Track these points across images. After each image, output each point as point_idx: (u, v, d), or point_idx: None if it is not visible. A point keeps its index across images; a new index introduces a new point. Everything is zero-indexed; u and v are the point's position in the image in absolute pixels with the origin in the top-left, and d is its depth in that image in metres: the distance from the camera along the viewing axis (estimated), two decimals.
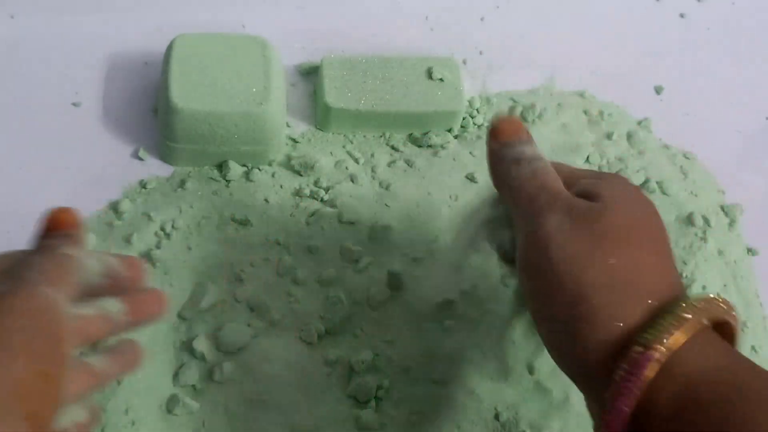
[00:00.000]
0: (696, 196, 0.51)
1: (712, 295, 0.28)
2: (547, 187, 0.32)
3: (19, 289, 0.26)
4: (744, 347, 0.46)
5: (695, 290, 0.46)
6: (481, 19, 0.57)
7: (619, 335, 0.27)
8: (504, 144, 0.33)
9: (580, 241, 0.29)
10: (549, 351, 0.31)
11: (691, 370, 0.26)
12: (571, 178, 0.33)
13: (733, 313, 0.29)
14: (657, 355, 0.26)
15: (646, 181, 0.50)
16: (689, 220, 0.49)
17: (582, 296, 0.28)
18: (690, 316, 0.27)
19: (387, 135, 0.49)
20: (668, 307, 0.28)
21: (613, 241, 0.29)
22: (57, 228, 0.30)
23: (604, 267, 0.29)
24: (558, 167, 0.34)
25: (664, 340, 0.26)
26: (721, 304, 0.28)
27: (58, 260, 0.28)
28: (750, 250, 0.50)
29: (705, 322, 0.27)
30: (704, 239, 0.48)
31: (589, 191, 0.31)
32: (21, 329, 0.25)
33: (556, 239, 0.30)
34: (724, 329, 0.29)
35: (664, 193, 0.50)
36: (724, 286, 0.48)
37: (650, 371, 0.26)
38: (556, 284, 0.29)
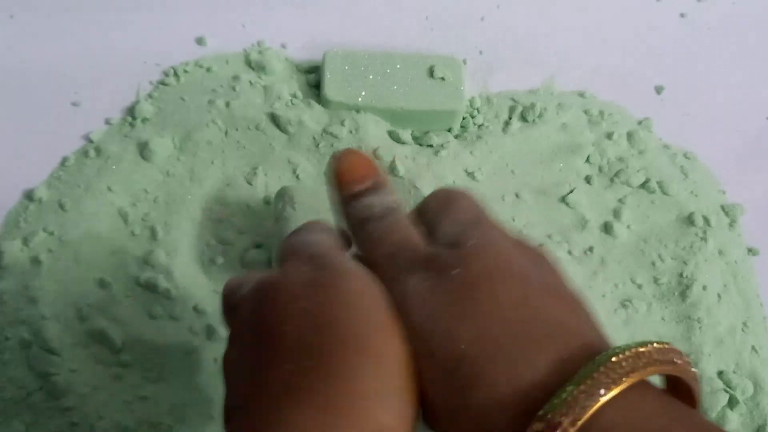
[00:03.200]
0: (696, 195, 0.51)
1: (650, 344, 0.22)
2: (404, 245, 0.26)
3: (325, 267, 0.25)
4: (744, 347, 0.46)
5: (695, 291, 0.46)
6: (481, 19, 0.57)
7: (515, 399, 0.21)
8: (348, 197, 0.28)
9: (443, 293, 0.23)
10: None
11: None
12: (447, 221, 0.27)
13: (678, 361, 0.22)
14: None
15: (647, 181, 0.50)
16: (689, 220, 0.49)
17: (459, 356, 0.22)
18: (608, 375, 0.21)
19: None
20: (580, 364, 0.21)
21: (485, 288, 0.23)
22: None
23: (479, 318, 0.23)
24: (439, 207, 0.28)
25: (570, 412, 0.20)
26: (656, 355, 0.22)
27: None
28: (750, 250, 0.50)
29: (632, 378, 0.21)
30: (704, 239, 0.48)
31: (455, 239, 0.26)
32: (379, 311, 0.24)
33: (414, 299, 0.24)
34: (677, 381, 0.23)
35: (664, 193, 0.50)
36: (725, 286, 0.47)
37: None
38: (426, 352, 0.23)
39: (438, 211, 0.28)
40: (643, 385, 0.21)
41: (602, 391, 0.20)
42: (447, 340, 0.23)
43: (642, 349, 0.22)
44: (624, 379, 0.20)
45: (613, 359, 0.21)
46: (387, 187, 0.28)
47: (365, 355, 0.22)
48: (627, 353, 0.21)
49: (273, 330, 0.23)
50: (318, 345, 0.22)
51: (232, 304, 0.27)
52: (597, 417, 0.20)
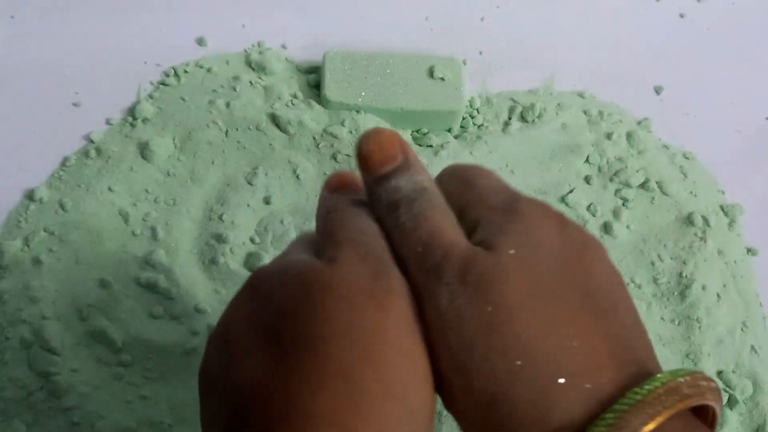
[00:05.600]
0: (696, 196, 0.51)
1: (683, 375, 0.21)
2: (436, 241, 0.23)
3: (383, 277, 0.22)
4: (744, 347, 0.46)
5: (695, 290, 0.46)
6: (481, 19, 0.57)
7: None
8: (375, 180, 0.25)
9: (479, 316, 0.21)
10: None
11: None
12: (475, 208, 0.24)
13: (711, 393, 0.21)
14: None
15: (646, 181, 0.50)
16: (689, 220, 0.49)
17: (496, 394, 0.20)
18: (638, 413, 0.20)
19: None
20: (615, 397, 0.20)
21: (525, 314, 0.21)
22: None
23: (517, 350, 0.21)
24: (461, 188, 0.25)
25: None
26: (691, 388, 0.21)
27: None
28: (750, 250, 0.50)
29: (662, 418, 0.20)
30: (704, 239, 0.48)
31: (488, 237, 0.23)
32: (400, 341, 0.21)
33: (450, 321, 0.21)
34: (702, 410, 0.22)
35: (663, 193, 0.50)
36: (724, 286, 0.48)
37: None
38: (461, 381, 0.21)
39: (462, 193, 0.25)
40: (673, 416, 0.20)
41: None
42: (483, 373, 0.21)
43: (673, 385, 0.20)
44: (655, 418, 0.19)
45: (646, 397, 0.20)
46: (417, 165, 0.25)
47: (399, 405, 0.20)
48: (659, 390, 0.20)
49: (312, 343, 0.20)
50: (360, 379, 0.20)
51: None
52: None
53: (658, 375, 0.21)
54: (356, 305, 0.21)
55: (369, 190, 0.25)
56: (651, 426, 0.19)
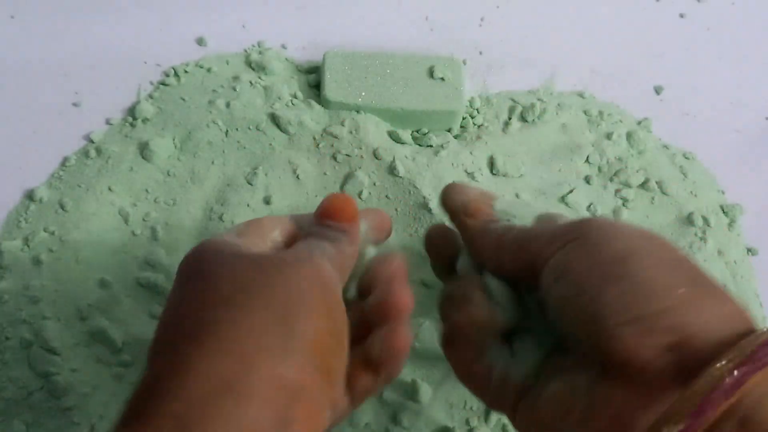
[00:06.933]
0: (696, 196, 0.51)
1: None
2: (557, 227, 0.28)
3: (308, 261, 0.26)
4: None
5: None
6: (481, 19, 0.57)
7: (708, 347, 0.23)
8: (489, 220, 0.31)
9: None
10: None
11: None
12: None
13: None
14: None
15: (646, 181, 0.50)
16: (689, 220, 0.49)
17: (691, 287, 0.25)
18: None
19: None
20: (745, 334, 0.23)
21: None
22: (333, 217, 0.29)
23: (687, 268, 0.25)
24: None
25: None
26: None
27: (342, 257, 0.29)
28: (750, 250, 0.50)
29: None
30: (704, 239, 0.48)
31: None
32: (311, 292, 0.25)
33: (621, 226, 0.27)
34: None
35: (663, 193, 0.50)
36: (724, 286, 0.47)
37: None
38: (646, 277, 0.24)
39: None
40: None
41: None
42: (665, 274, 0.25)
43: None
44: None
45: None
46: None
47: (280, 319, 0.24)
48: None
49: (209, 282, 0.25)
50: (240, 304, 0.24)
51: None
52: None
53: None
54: (249, 263, 0.26)
55: (480, 228, 0.31)
56: None
